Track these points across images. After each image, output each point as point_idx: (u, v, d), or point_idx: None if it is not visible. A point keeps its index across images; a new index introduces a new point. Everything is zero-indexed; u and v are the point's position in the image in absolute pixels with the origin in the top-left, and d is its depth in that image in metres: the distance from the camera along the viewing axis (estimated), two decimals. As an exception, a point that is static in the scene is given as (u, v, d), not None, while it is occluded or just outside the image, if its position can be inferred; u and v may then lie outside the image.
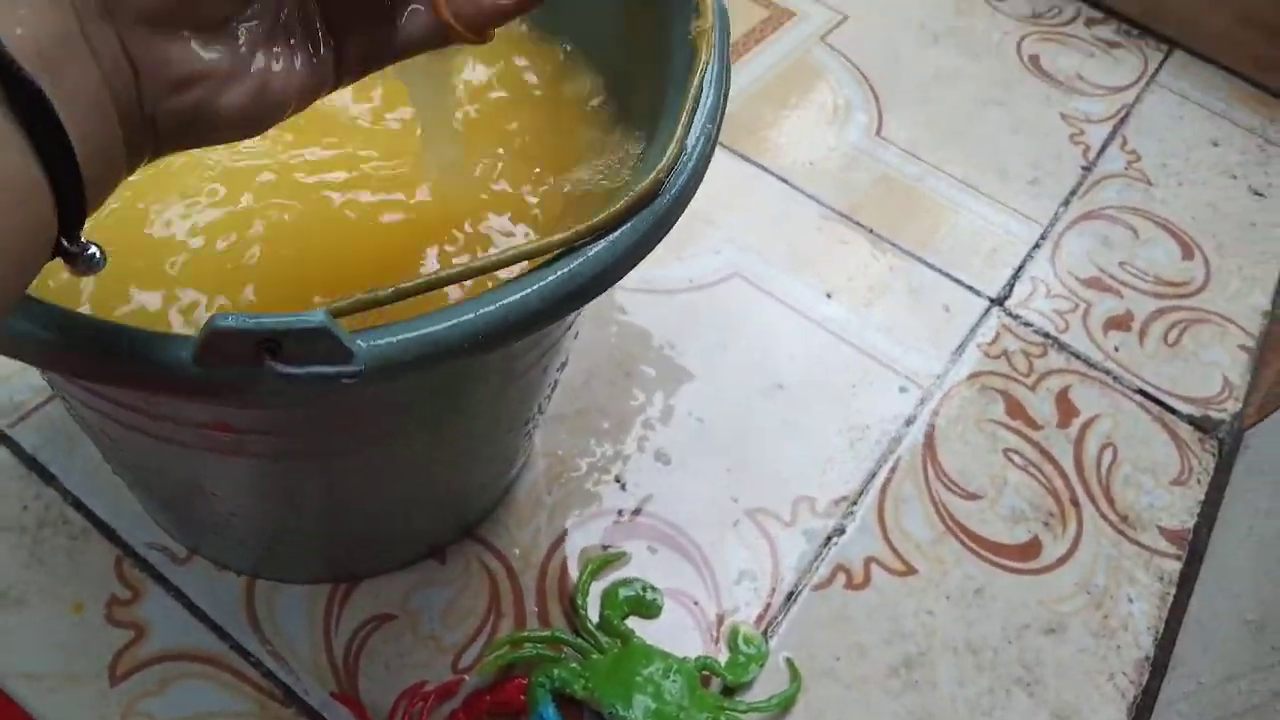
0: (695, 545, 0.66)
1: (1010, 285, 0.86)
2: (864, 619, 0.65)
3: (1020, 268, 0.88)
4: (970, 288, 0.85)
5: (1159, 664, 0.67)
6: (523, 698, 0.56)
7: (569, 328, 0.52)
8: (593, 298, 0.38)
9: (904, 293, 0.84)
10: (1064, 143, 1.00)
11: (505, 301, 0.35)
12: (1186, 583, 0.71)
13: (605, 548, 0.65)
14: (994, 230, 0.90)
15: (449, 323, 0.34)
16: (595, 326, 0.76)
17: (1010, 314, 0.84)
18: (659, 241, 0.40)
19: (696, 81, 0.41)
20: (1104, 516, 0.73)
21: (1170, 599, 0.70)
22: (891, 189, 0.92)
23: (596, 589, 0.63)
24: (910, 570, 0.68)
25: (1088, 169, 0.98)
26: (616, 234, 0.38)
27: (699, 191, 0.41)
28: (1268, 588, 0.63)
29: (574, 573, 0.64)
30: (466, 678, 0.58)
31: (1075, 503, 0.74)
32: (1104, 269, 0.90)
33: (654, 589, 0.64)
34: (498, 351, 0.36)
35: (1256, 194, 1.00)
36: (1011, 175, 0.96)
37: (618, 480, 0.68)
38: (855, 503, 0.71)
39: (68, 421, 0.63)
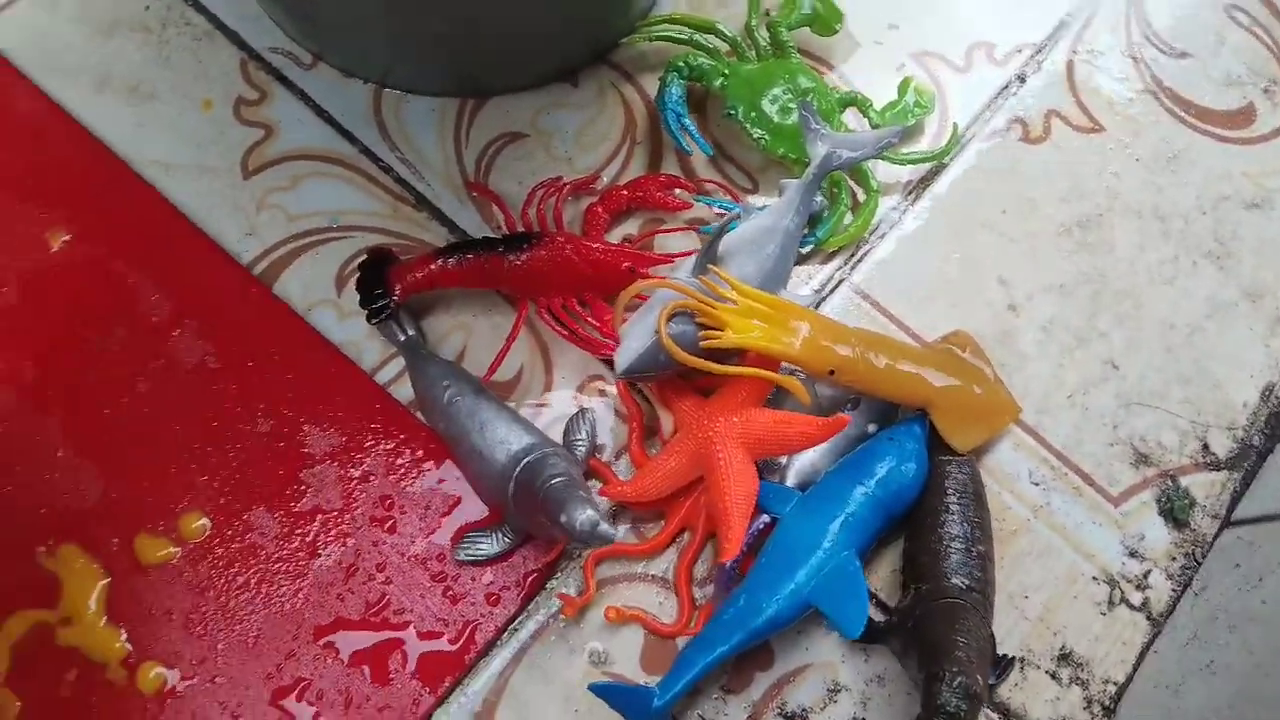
0: (853, 87, 0.59)
1: None
2: (1038, 174, 0.58)
3: None
4: None
5: (1377, 246, 0.59)
6: (660, 195, 0.53)
7: None
8: None
9: None
10: None
11: None
12: None
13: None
14: None
15: None
16: None
17: None
18: None
19: None
20: (1340, 85, 0.63)
21: (1403, 182, 0.61)
22: None
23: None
24: (1097, 128, 0.60)
25: None
26: None
27: None
28: None
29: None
30: (604, 176, 0.55)
31: (1306, 70, 0.63)
32: None
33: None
34: None
35: None
36: None
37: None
38: (1041, 50, 0.62)
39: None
